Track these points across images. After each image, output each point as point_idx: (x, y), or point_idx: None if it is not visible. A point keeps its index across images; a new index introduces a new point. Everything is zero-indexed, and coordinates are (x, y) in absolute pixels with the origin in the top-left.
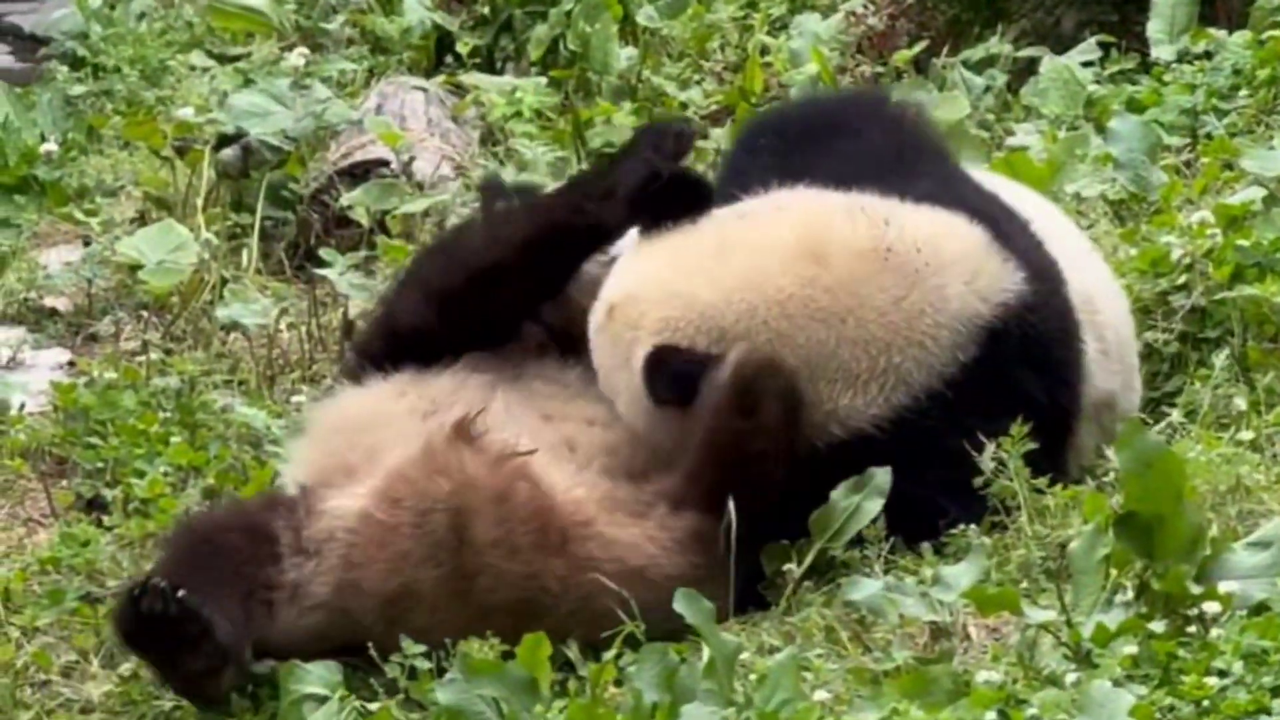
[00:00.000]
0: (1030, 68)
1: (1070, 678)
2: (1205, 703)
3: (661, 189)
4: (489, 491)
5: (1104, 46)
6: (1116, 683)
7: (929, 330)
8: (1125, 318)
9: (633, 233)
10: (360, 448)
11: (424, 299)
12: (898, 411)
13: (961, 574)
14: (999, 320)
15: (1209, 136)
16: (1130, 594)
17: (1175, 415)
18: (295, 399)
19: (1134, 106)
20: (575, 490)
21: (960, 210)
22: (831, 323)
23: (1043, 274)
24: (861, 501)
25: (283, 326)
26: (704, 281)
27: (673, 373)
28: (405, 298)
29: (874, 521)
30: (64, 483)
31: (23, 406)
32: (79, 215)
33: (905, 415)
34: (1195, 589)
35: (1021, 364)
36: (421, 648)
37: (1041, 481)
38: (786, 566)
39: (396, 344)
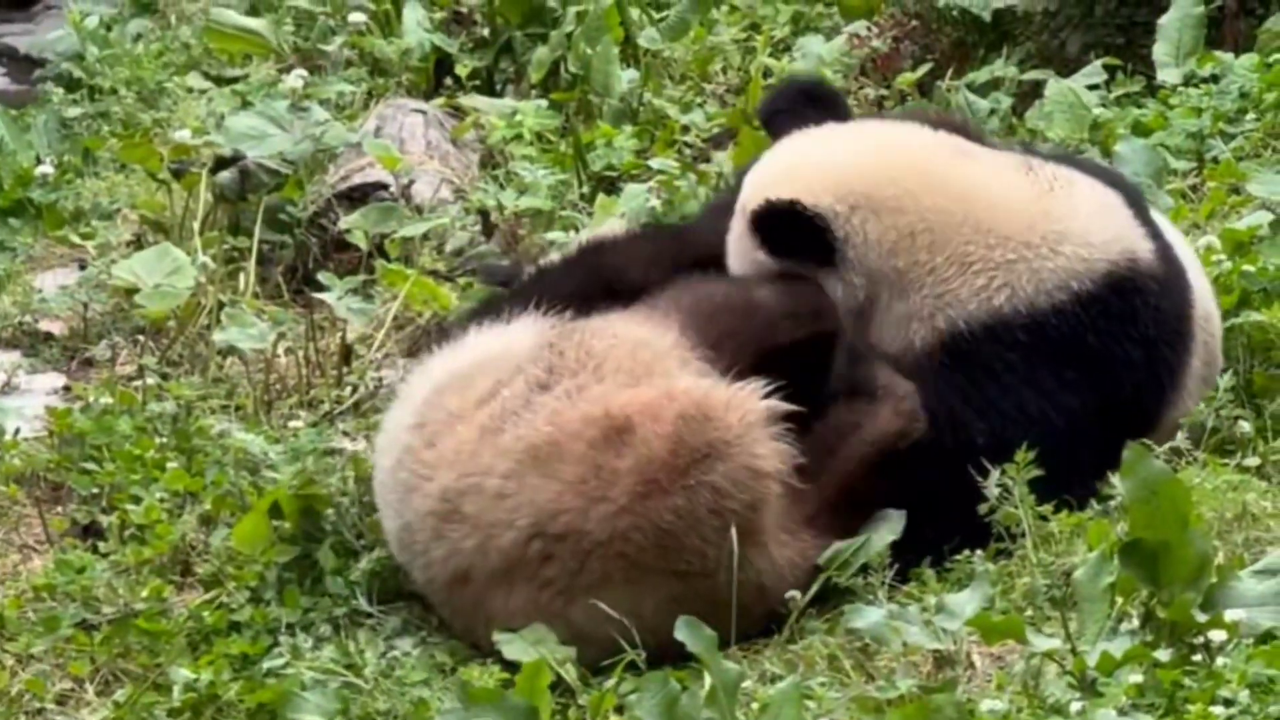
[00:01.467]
0: (1035, 90)
1: (1075, 707)
2: None
3: None
4: (752, 460)
5: (1109, 69)
6: (1122, 712)
7: (1053, 243)
8: (1218, 334)
9: None
10: None
11: None
12: (993, 317)
13: (966, 602)
14: (1124, 270)
15: (1215, 160)
16: (1135, 622)
17: (1181, 440)
18: (293, 424)
19: (1140, 130)
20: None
21: (1103, 180)
22: (965, 198)
23: (1170, 258)
24: (872, 536)
25: (280, 351)
26: (837, 149)
27: (777, 213)
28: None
29: (866, 545)
30: (59, 509)
31: (17, 432)
32: (74, 238)
33: (997, 324)
34: (1201, 617)
35: (1130, 322)
36: (422, 674)
37: (1046, 508)
38: (790, 594)
39: None
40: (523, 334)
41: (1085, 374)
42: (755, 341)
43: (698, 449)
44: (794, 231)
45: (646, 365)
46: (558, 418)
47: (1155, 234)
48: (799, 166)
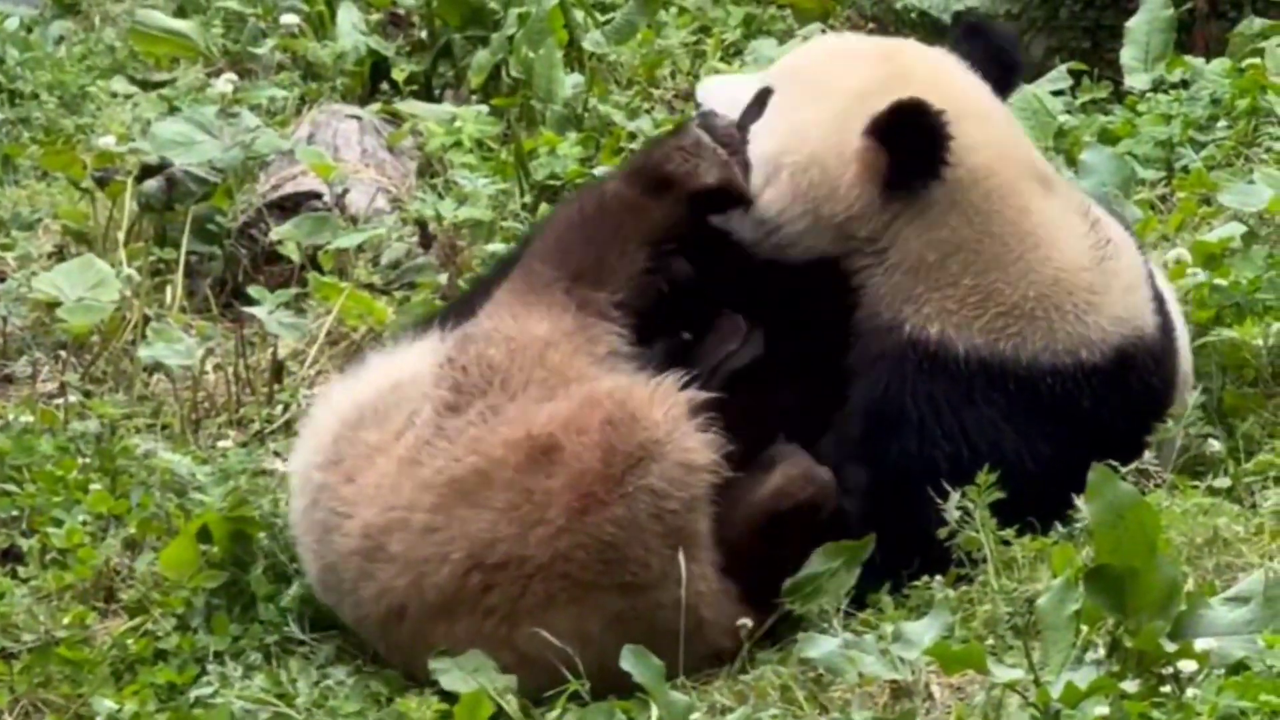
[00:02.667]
0: None
1: None
2: None
3: None
4: (684, 455)
5: (1075, 74)
6: None
7: (1081, 312)
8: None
9: None
10: None
11: None
12: (993, 355)
13: (924, 630)
14: (1130, 347)
15: (1185, 170)
16: (1101, 652)
17: (1149, 461)
18: (221, 444)
19: (1107, 138)
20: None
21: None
22: (1027, 241)
23: (1169, 330)
24: (840, 568)
25: (208, 368)
26: (983, 116)
27: (912, 122)
28: None
29: (834, 573)
30: None
31: None
32: None
33: (994, 363)
34: (1170, 646)
35: (1122, 394)
36: (357, 705)
37: (1009, 532)
38: (740, 621)
39: None
40: (423, 355)
41: (1067, 431)
42: (626, 238)
43: (630, 453)
44: (918, 137)
45: (558, 371)
46: (478, 445)
47: (1160, 304)
48: (942, 86)
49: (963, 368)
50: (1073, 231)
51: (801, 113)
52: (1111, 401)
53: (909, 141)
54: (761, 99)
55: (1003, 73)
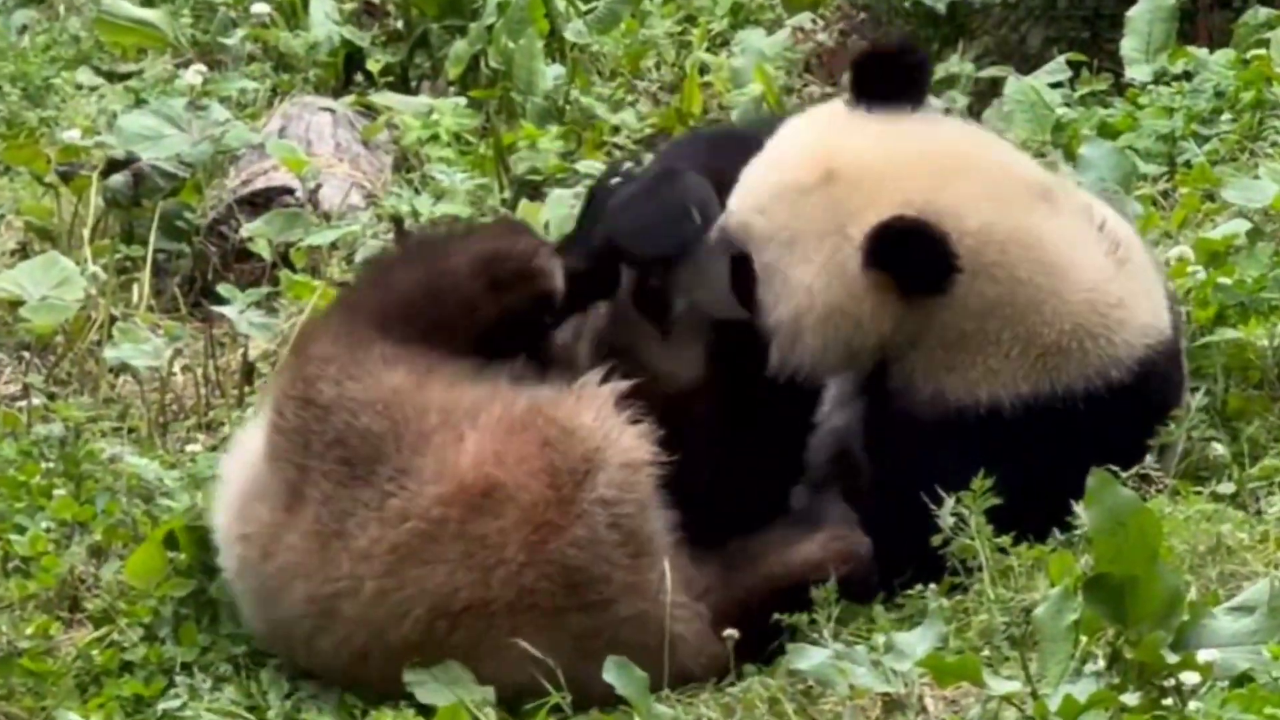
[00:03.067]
0: (994, 89)
1: None
2: None
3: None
4: (624, 454)
5: (1074, 66)
6: None
7: (1112, 330)
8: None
9: None
10: None
11: None
12: (1035, 397)
13: (917, 640)
14: (1154, 354)
15: (1188, 165)
16: (1101, 663)
17: (1150, 466)
18: (190, 448)
19: (1107, 131)
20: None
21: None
22: (1052, 272)
23: (1178, 324)
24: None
25: (177, 369)
26: (946, 175)
27: (903, 241)
28: None
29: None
30: None
31: None
32: None
33: (1035, 404)
34: (1172, 658)
35: (1146, 404)
36: (329, 718)
37: (1005, 540)
38: (727, 632)
39: None
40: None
41: (1098, 454)
42: (457, 326)
43: (575, 469)
44: (914, 250)
45: (450, 409)
46: (410, 510)
47: (1170, 297)
48: (899, 176)
49: (1009, 420)
50: (1088, 243)
51: (793, 273)
52: (1135, 413)
53: (908, 256)
54: (742, 269)
55: (910, 86)
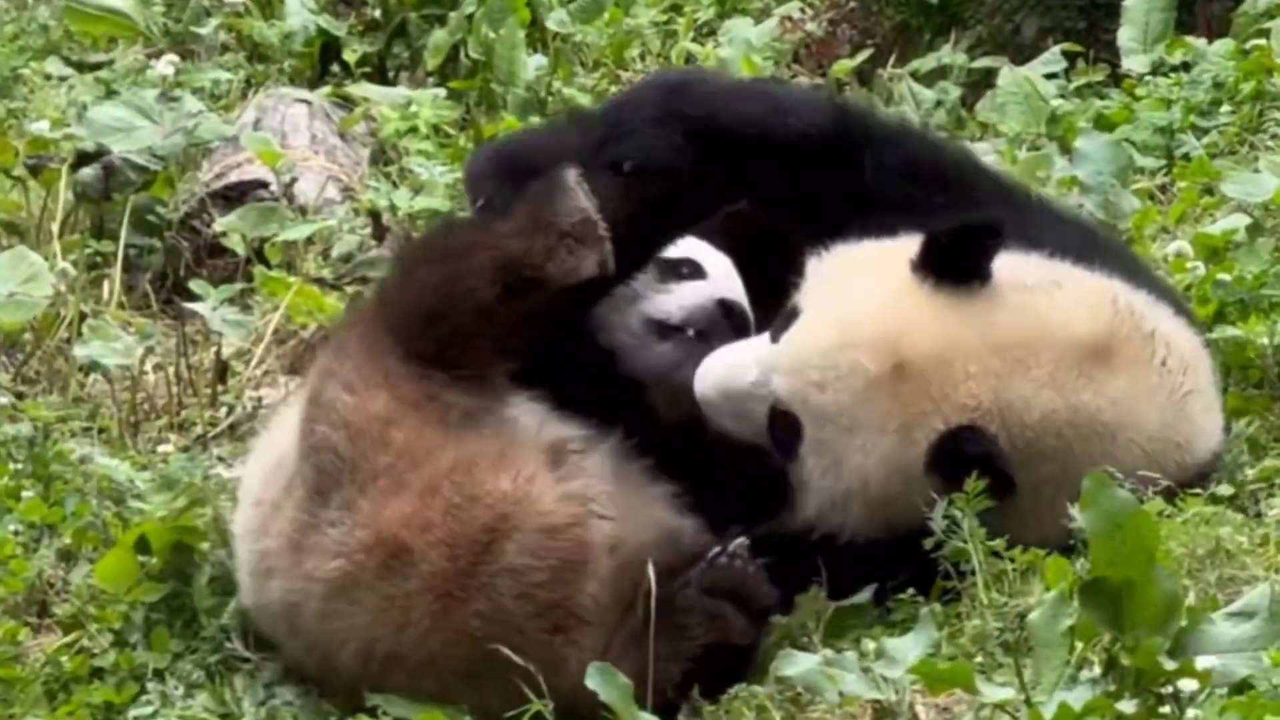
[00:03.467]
0: (987, 80)
1: None
2: None
3: None
4: (542, 519)
5: (1069, 56)
6: None
7: (1179, 469)
8: None
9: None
10: None
11: None
12: None
13: (909, 647)
14: (1206, 467)
15: (1186, 158)
16: (1097, 670)
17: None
18: (162, 448)
19: (1103, 124)
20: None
21: (1175, 307)
22: (1105, 436)
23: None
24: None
25: (148, 367)
26: (1010, 366)
27: (967, 457)
28: None
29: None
30: None
31: None
32: None
33: None
34: (1169, 664)
35: None
36: None
37: (999, 543)
38: None
39: None
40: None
41: None
42: (475, 334)
43: (475, 540)
44: (977, 464)
45: (406, 453)
46: (342, 548)
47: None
48: (965, 374)
49: None
50: (1149, 392)
51: (851, 459)
52: None
53: (971, 468)
54: (788, 425)
55: (979, 264)
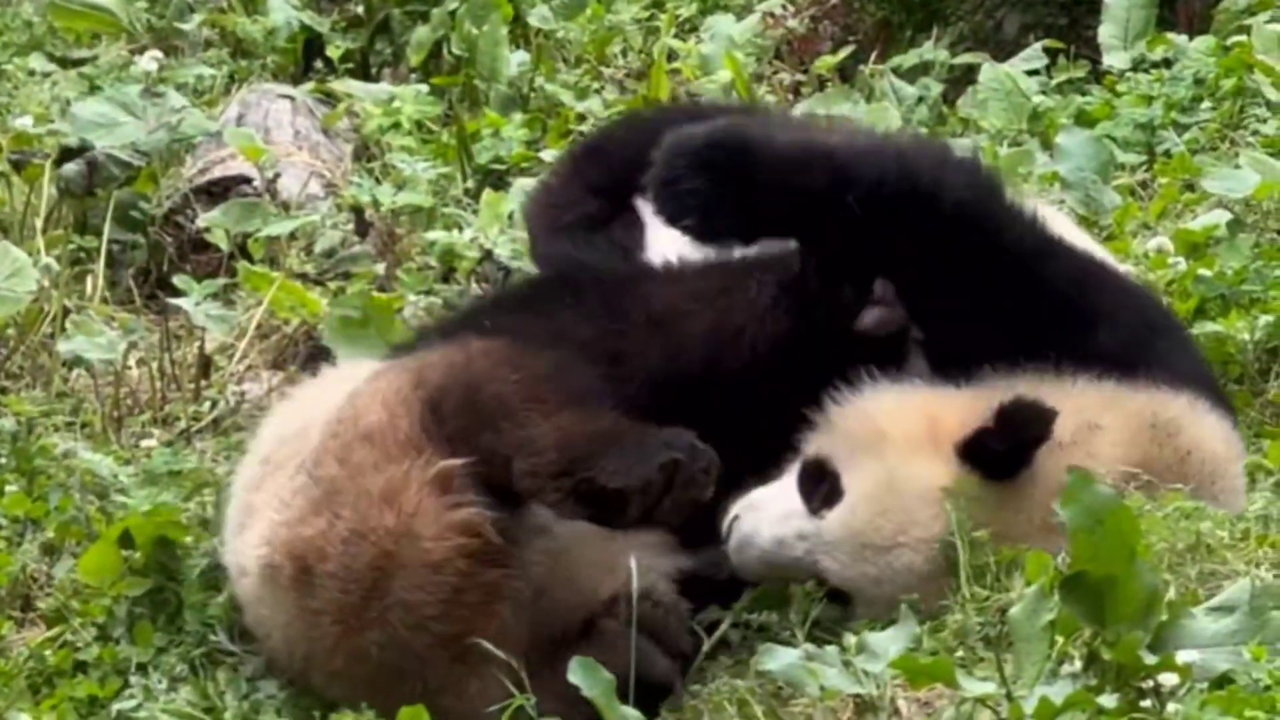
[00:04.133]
0: (968, 76)
1: None
2: None
3: None
4: (425, 555)
5: (1050, 53)
6: None
7: None
8: None
9: None
10: None
11: None
12: None
13: (889, 641)
14: None
15: (1167, 154)
16: (1078, 664)
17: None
18: (145, 443)
19: (1084, 120)
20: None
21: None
22: None
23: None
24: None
25: (131, 362)
26: (1059, 539)
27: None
28: None
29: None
30: None
31: None
32: None
33: None
34: (1150, 659)
35: None
36: None
37: (981, 535)
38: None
39: None
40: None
41: None
42: (492, 428)
43: (364, 576)
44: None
45: (346, 474)
46: (274, 538)
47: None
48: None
49: None
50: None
51: None
52: None
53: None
54: (839, 594)
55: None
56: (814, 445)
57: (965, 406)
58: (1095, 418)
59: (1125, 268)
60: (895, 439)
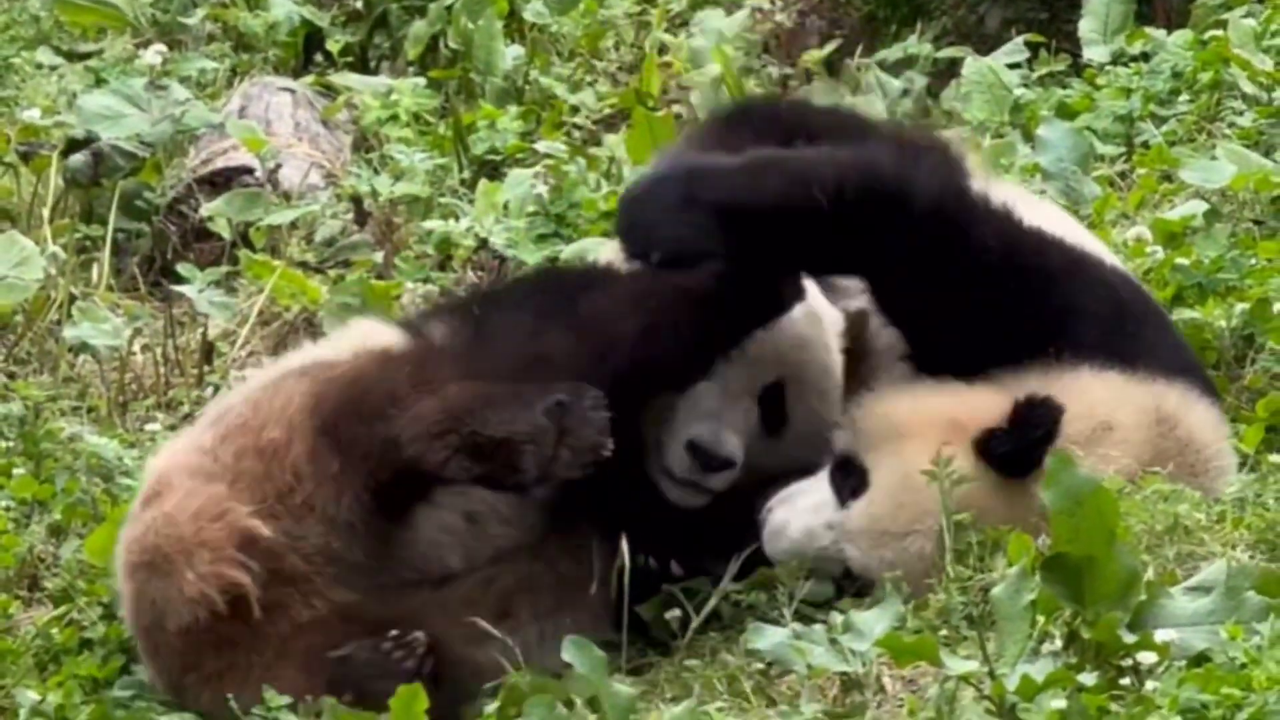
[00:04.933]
0: (952, 69)
1: None
2: None
3: None
4: (185, 582)
5: (1032, 47)
6: None
7: None
8: None
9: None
10: None
11: None
12: None
13: (875, 620)
14: None
15: (1146, 145)
16: (1058, 643)
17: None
18: (150, 427)
19: (1064, 112)
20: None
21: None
22: None
23: None
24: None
25: (136, 348)
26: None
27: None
28: None
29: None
30: None
31: None
32: None
33: None
34: (1129, 637)
35: None
36: (285, 699)
37: (965, 516)
38: (670, 614)
39: None
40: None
41: None
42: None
43: (148, 549)
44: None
45: (222, 472)
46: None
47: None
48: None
49: None
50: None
51: None
52: None
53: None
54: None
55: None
56: (843, 442)
57: (980, 404)
58: (1107, 416)
59: (1110, 256)
60: (913, 436)
